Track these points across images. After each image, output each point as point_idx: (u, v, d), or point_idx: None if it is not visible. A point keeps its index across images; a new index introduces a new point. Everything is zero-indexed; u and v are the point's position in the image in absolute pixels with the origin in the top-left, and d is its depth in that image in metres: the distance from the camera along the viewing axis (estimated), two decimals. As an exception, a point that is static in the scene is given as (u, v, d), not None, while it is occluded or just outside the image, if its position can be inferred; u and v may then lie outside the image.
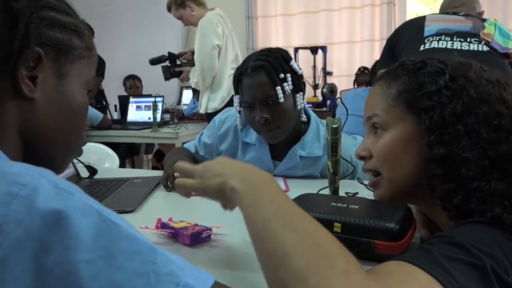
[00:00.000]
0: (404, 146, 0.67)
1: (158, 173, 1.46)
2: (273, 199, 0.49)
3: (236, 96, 1.25)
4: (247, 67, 1.19)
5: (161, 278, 0.38)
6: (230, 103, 2.61)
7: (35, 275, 0.35)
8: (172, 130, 2.85)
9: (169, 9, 2.78)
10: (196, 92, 3.30)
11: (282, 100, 1.18)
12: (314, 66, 3.93)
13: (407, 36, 1.68)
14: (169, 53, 2.97)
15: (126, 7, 4.90)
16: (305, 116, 1.28)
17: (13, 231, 0.36)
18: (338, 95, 3.84)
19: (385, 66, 1.79)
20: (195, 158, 1.43)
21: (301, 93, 1.24)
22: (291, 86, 1.19)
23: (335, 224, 0.72)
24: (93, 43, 0.60)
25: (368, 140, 0.74)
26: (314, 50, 3.92)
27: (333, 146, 0.97)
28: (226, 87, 2.64)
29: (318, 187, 1.10)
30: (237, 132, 1.35)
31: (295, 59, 3.48)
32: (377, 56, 4.02)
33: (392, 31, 3.82)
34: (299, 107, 1.24)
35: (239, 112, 1.29)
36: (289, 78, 1.19)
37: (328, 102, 3.77)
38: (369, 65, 3.41)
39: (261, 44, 4.50)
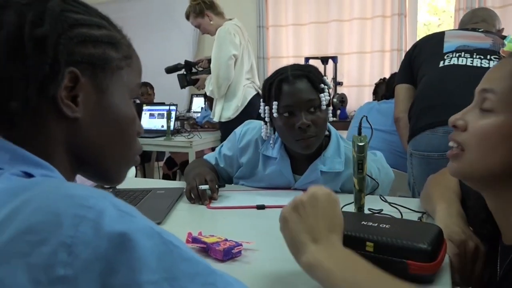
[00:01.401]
0: (506, 137, 0.61)
1: (179, 184, 1.47)
2: None
3: (267, 106, 1.26)
4: (287, 75, 1.21)
5: None
6: (243, 113, 2.63)
7: None
8: (185, 139, 2.87)
9: (187, 17, 2.79)
10: (208, 100, 3.32)
11: (324, 107, 1.21)
12: (325, 76, 3.95)
13: (426, 51, 1.69)
14: (185, 61, 3.00)
15: (137, 16, 4.93)
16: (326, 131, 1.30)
17: (82, 252, 0.37)
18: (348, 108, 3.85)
19: (403, 80, 1.82)
20: (215, 170, 1.44)
21: (330, 108, 1.27)
22: (328, 98, 1.23)
23: (367, 243, 0.73)
24: (131, 50, 0.58)
25: (470, 113, 0.66)
26: (324, 60, 3.93)
27: (359, 163, 0.98)
28: (240, 97, 2.66)
29: (341, 203, 1.10)
30: (257, 145, 1.37)
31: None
32: (387, 67, 4.04)
33: (403, 42, 3.91)
34: (330, 120, 1.27)
35: (266, 123, 1.30)
36: (326, 91, 1.23)
37: (338, 112, 3.79)
38: (379, 76, 3.42)
39: (272, 54, 4.52)
